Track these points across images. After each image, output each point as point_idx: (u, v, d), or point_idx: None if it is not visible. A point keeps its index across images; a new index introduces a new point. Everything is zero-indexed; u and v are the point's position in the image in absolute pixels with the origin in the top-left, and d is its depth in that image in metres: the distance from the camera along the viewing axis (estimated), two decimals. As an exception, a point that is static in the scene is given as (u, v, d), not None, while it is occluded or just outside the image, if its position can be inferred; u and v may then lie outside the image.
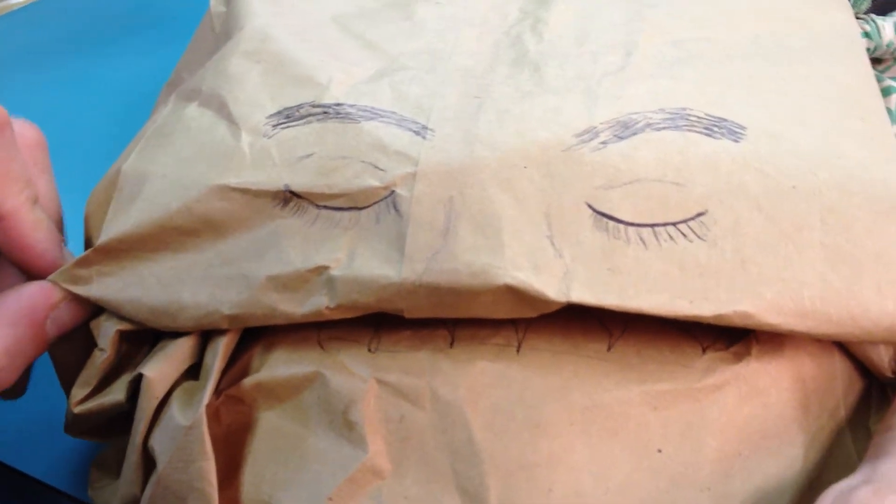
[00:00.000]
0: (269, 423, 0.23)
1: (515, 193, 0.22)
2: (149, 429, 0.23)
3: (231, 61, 0.27)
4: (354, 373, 0.23)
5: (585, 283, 0.21)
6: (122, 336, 0.25)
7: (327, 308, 0.22)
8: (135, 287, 0.24)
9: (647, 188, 0.22)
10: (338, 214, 0.23)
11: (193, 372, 0.24)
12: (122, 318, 0.25)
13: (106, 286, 0.25)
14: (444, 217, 0.22)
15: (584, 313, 0.24)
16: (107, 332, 0.25)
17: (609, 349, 0.23)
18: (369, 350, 0.24)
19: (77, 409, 0.25)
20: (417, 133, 0.24)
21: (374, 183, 0.23)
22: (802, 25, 0.28)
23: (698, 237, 0.22)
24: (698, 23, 0.28)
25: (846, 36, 0.28)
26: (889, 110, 0.39)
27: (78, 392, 0.25)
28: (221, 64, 0.27)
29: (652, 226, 0.22)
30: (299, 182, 0.24)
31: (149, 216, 0.24)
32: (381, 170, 0.23)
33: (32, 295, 0.24)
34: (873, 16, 0.38)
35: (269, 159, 0.24)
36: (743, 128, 0.23)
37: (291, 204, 0.24)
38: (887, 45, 0.38)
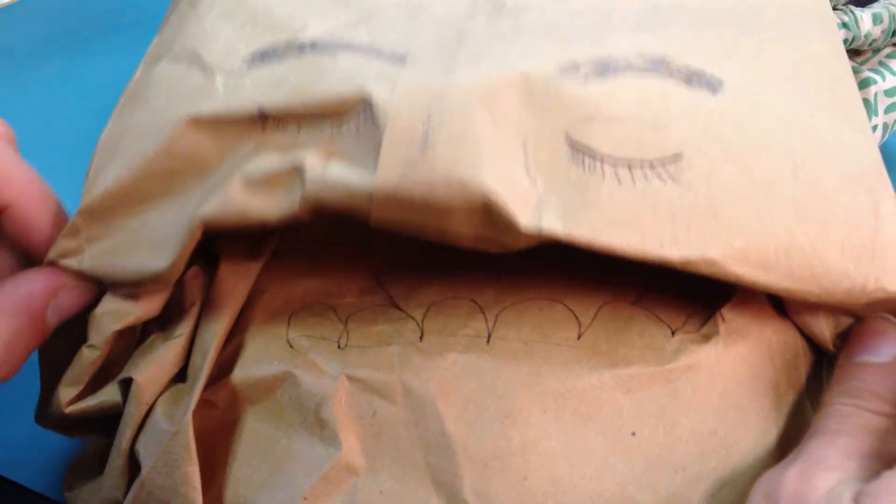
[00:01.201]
0: (243, 426, 0.23)
1: (495, 117, 0.22)
2: (135, 434, 0.23)
3: (205, 21, 0.26)
4: (325, 370, 0.23)
5: (557, 213, 0.21)
6: (118, 335, 0.24)
7: (299, 206, 0.22)
8: (126, 244, 0.23)
9: (625, 126, 0.22)
10: (318, 126, 0.22)
11: (178, 373, 0.24)
12: (118, 309, 0.24)
13: (97, 252, 0.24)
14: (422, 130, 0.21)
15: (554, 301, 0.24)
16: (102, 330, 0.23)
17: (579, 337, 0.23)
18: (339, 346, 0.23)
19: (69, 410, 0.24)
20: (397, 60, 0.23)
21: (351, 92, 0.22)
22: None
23: (672, 180, 0.21)
24: None
25: (819, 11, 0.28)
26: (867, 101, 0.40)
27: (68, 391, 0.24)
28: (195, 26, 0.26)
29: (628, 161, 0.21)
30: (274, 101, 0.23)
31: (128, 167, 0.23)
32: (359, 85, 0.22)
33: (31, 283, 0.23)
34: (852, 7, 0.38)
35: (241, 90, 0.23)
36: (721, 82, 0.23)
37: (270, 123, 0.23)
38: (865, 36, 0.38)
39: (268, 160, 0.22)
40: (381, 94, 0.22)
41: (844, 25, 0.38)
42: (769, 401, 0.23)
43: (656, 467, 0.22)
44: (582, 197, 0.21)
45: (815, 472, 0.19)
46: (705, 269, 0.21)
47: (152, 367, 0.23)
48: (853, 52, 0.41)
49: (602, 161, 0.21)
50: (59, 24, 0.58)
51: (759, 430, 0.23)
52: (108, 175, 0.23)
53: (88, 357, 0.24)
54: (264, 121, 0.22)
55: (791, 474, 0.19)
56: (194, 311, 0.24)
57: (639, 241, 0.21)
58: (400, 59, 0.23)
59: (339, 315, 0.24)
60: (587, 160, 0.21)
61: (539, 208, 0.21)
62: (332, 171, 0.21)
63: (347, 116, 0.22)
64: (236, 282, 0.25)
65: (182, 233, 0.22)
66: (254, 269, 0.25)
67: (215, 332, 0.23)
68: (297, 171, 0.22)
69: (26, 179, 0.24)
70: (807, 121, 0.23)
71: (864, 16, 0.38)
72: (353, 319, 0.24)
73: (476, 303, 0.24)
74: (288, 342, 0.24)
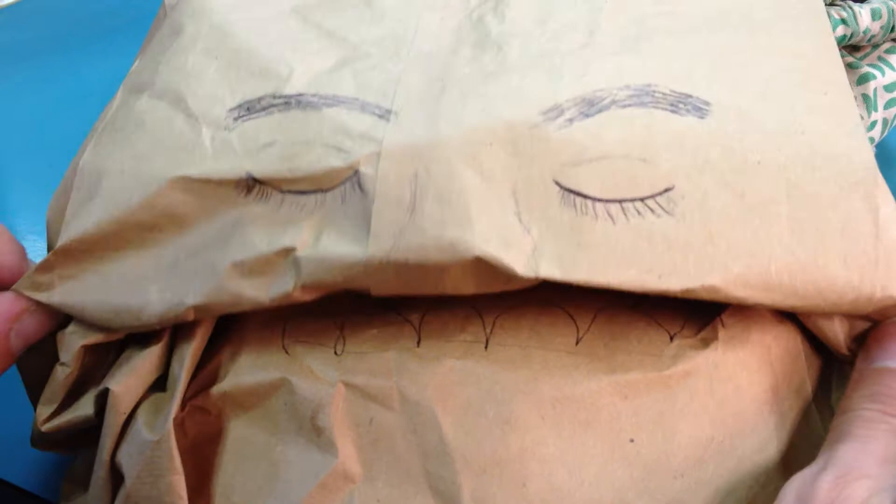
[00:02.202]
0: (237, 433, 0.23)
1: (482, 170, 0.22)
2: (116, 444, 0.23)
3: (188, 58, 0.26)
4: (321, 377, 0.23)
5: (554, 258, 0.21)
6: (87, 350, 0.24)
7: (294, 290, 0.22)
8: (98, 288, 0.24)
9: (613, 164, 0.22)
10: (303, 198, 0.23)
11: (159, 383, 0.24)
12: (87, 327, 0.24)
13: (68, 290, 0.24)
14: (410, 193, 0.22)
15: (552, 306, 0.24)
16: (70, 347, 0.24)
17: (577, 342, 0.23)
18: (335, 353, 0.23)
19: (45, 428, 0.24)
20: (381, 116, 0.23)
21: (338, 163, 0.22)
22: None
23: (666, 212, 0.22)
24: None
25: (810, 7, 0.28)
26: (866, 97, 0.39)
27: (43, 410, 0.24)
28: (178, 59, 0.27)
29: (620, 201, 0.22)
30: (262, 168, 0.23)
31: (109, 214, 0.24)
32: (345, 151, 0.23)
33: None
34: (850, 2, 0.38)
35: (230, 150, 0.24)
36: (708, 104, 0.23)
37: (255, 191, 0.23)
38: (864, 32, 0.38)
39: (256, 243, 0.22)
40: (367, 162, 0.22)
41: (843, 21, 0.37)
42: (768, 407, 0.23)
43: (655, 474, 0.22)
44: (577, 239, 0.21)
45: (849, 479, 0.19)
46: (707, 296, 0.21)
47: (129, 377, 0.23)
48: (852, 48, 0.40)
49: (594, 201, 0.21)
50: (58, 25, 0.58)
51: (758, 437, 0.22)
52: (89, 217, 0.24)
53: (61, 374, 0.24)
54: (250, 188, 0.23)
55: (825, 480, 0.19)
56: None
57: (637, 277, 0.21)
58: (384, 113, 0.23)
59: (334, 320, 0.24)
60: (578, 201, 0.22)
61: (535, 255, 0.21)
62: (323, 248, 0.22)
63: (334, 187, 0.22)
64: None
65: (166, 306, 0.23)
66: None
67: (193, 338, 0.23)
68: (287, 254, 0.22)
69: None
70: (798, 132, 0.23)
71: (863, 11, 0.38)
72: (349, 324, 0.24)
73: (473, 307, 0.24)
74: (283, 348, 0.24)
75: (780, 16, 0.27)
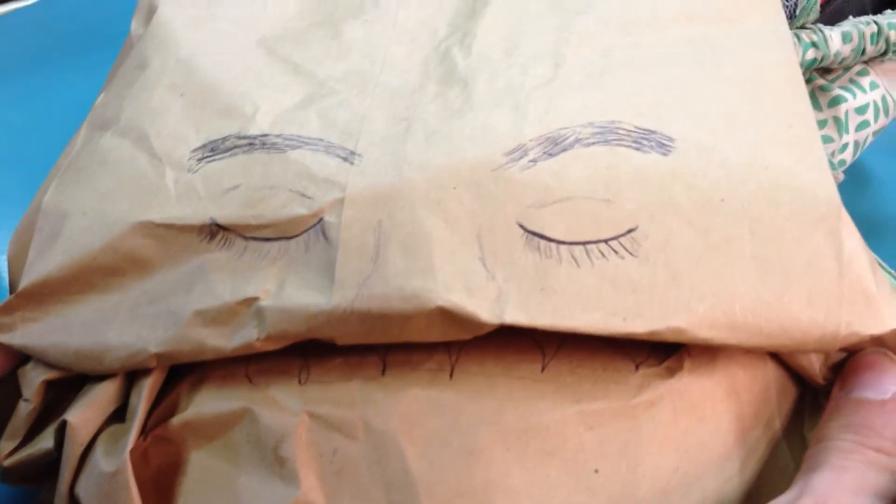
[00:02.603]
0: (200, 463, 0.23)
1: (446, 215, 0.22)
2: (74, 476, 0.23)
3: (153, 94, 0.26)
4: (284, 407, 0.22)
5: (518, 304, 0.21)
6: (48, 385, 0.24)
7: (257, 340, 0.22)
8: (60, 331, 0.24)
9: (577, 206, 0.22)
10: (266, 245, 0.23)
11: (120, 414, 0.24)
12: (47, 365, 0.24)
13: (30, 332, 0.24)
14: (374, 242, 0.22)
15: (518, 333, 0.24)
16: (32, 383, 0.24)
17: (543, 370, 0.23)
18: (299, 382, 0.23)
19: (6, 463, 0.24)
20: (345, 159, 0.23)
21: (302, 211, 0.23)
22: (734, 25, 0.28)
23: (630, 253, 0.22)
24: (628, 28, 0.28)
25: (777, 36, 0.28)
26: (838, 119, 0.40)
27: (6, 445, 0.24)
28: (143, 95, 0.27)
29: (584, 243, 0.22)
30: (225, 214, 0.23)
31: (71, 257, 0.24)
32: (309, 198, 0.23)
33: None
34: (821, 25, 0.38)
35: (194, 193, 0.24)
36: (672, 139, 0.23)
37: (219, 237, 0.23)
38: (835, 55, 0.38)
39: (220, 292, 0.22)
40: (332, 210, 0.22)
41: (813, 45, 0.38)
42: (733, 437, 0.23)
43: (619, 505, 0.22)
44: (541, 283, 0.21)
45: None
46: (673, 338, 0.21)
47: (86, 409, 0.23)
48: (823, 70, 0.41)
49: (558, 244, 0.21)
50: (48, 38, 0.58)
51: (723, 467, 0.22)
52: (51, 259, 0.24)
53: (24, 410, 0.24)
54: (213, 234, 0.23)
55: None
56: None
57: (602, 320, 0.21)
58: (348, 156, 0.23)
59: (299, 349, 0.24)
60: (542, 244, 0.22)
61: (500, 301, 0.21)
62: (287, 297, 0.22)
63: (297, 234, 0.23)
64: None
65: (128, 353, 0.23)
66: None
67: (153, 370, 0.23)
68: (251, 304, 0.22)
69: None
70: (762, 168, 0.23)
71: (834, 35, 0.38)
72: (313, 353, 0.23)
73: None
74: (247, 377, 0.23)
75: (745, 46, 0.27)
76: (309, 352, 0.23)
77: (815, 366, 0.23)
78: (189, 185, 0.24)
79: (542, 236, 0.22)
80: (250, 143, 0.24)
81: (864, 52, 0.39)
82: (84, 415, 0.23)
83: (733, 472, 0.22)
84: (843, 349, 0.23)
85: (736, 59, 0.26)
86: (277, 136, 0.24)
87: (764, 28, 0.28)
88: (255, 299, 0.22)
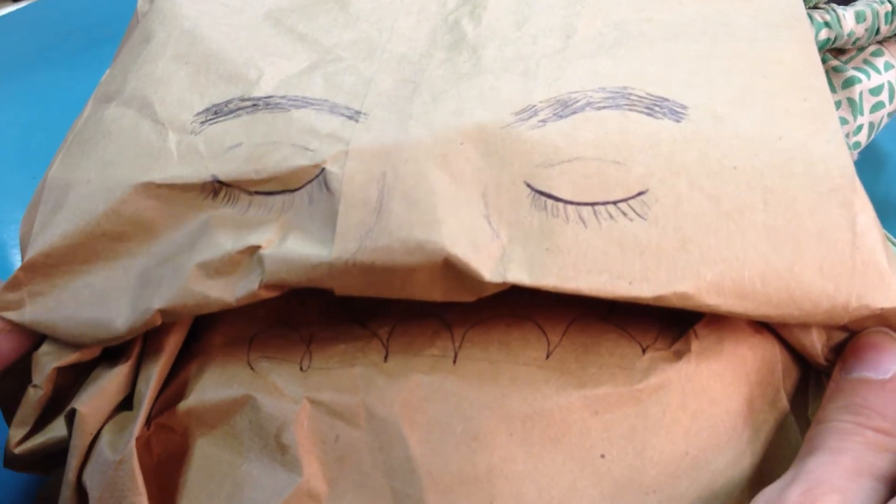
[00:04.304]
0: (202, 451, 0.23)
1: (451, 171, 0.21)
2: (82, 464, 0.23)
3: (158, 65, 0.26)
4: (286, 394, 0.22)
5: (522, 263, 0.21)
6: (59, 372, 0.24)
7: (259, 288, 0.21)
8: (69, 304, 0.23)
9: (586, 166, 0.21)
10: (271, 199, 0.22)
11: (126, 402, 0.24)
12: (60, 347, 0.24)
13: (39, 307, 0.23)
14: (377, 194, 0.21)
15: (523, 318, 0.24)
16: (43, 369, 0.24)
17: (548, 356, 0.23)
18: (301, 369, 0.23)
19: (18, 451, 0.24)
20: (350, 118, 0.23)
21: (304, 162, 0.22)
22: (748, 2, 0.27)
23: (639, 216, 0.21)
24: (641, 4, 0.27)
25: (792, 12, 0.28)
26: (852, 100, 0.39)
27: (16, 433, 0.24)
28: (147, 66, 0.26)
29: (592, 204, 0.21)
30: (227, 171, 0.23)
31: (75, 225, 0.23)
32: (312, 150, 0.22)
33: None
34: (834, 5, 0.37)
35: (195, 153, 0.23)
36: (685, 108, 0.23)
37: (222, 194, 0.23)
38: (848, 35, 0.37)
39: (222, 243, 0.22)
40: (334, 160, 0.22)
41: (826, 24, 0.37)
42: (742, 419, 0.22)
43: (626, 490, 0.21)
44: (547, 243, 0.21)
45: (817, 493, 0.19)
46: (679, 304, 0.20)
47: (96, 397, 0.23)
48: (837, 51, 0.40)
49: (565, 204, 0.21)
50: (49, 36, 0.58)
51: (732, 450, 0.22)
52: (55, 229, 0.23)
53: (34, 396, 0.23)
54: (216, 191, 0.22)
55: (793, 494, 0.19)
56: (139, 336, 0.24)
57: (607, 283, 0.20)
58: (353, 115, 0.23)
59: (301, 335, 0.24)
60: (550, 204, 0.21)
61: (503, 260, 0.21)
62: (288, 247, 0.21)
63: (301, 186, 0.22)
64: None
65: (135, 314, 0.22)
66: None
67: (160, 357, 0.23)
68: (253, 253, 0.22)
69: None
70: (776, 138, 0.22)
71: (847, 14, 0.37)
72: (316, 339, 0.23)
73: (443, 320, 0.24)
74: (248, 364, 0.23)
75: (760, 23, 0.26)
76: (312, 338, 0.23)
77: (816, 346, 0.23)
78: (191, 146, 0.23)
79: (549, 195, 0.21)
80: (254, 105, 0.24)
81: (878, 31, 0.38)
82: (93, 403, 0.23)
83: (743, 455, 0.22)
84: (848, 327, 0.22)
85: (750, 35, 0.26)
86: (282, 97, 0.24)
87: (778, 4, 0.28)
88: (258, 248, 0.22)
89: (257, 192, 0.22)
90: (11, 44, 0.57)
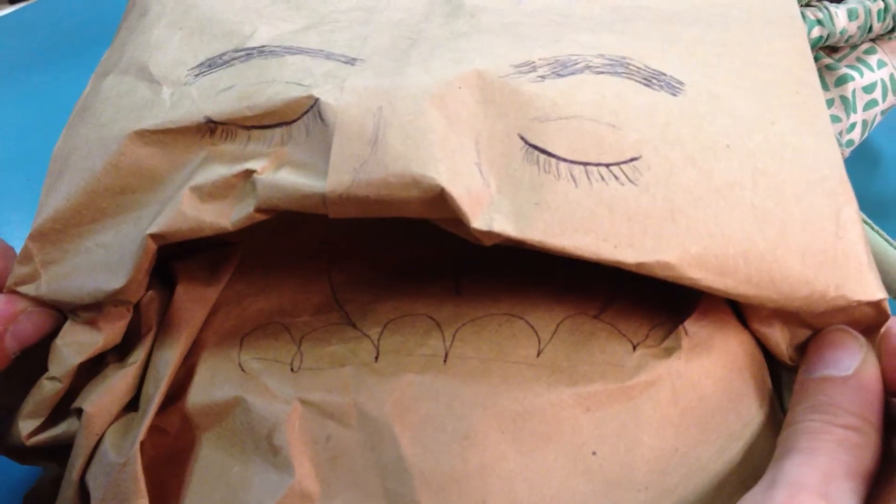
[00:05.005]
0: (195, 453, 0.23)
1: (448, 113, 0.21)
2: (86, 464, 0.23)
3: (153, 33, 0.26)
4: (277, 395, 0.22)
5: (509, 215, 0.20)
6: (80, 367, 0.23)
7: (255, 211, 0.21)
8: (83, 267, 0.23)
9: (582, 125, 0.21)
10: (269, 132, 0.22)
11: (131, 403, 0.23)
12: (81, 340, 0.23)
13: (54, 276, 0.23)
14: (373, 126, 0.21)
15: (514, 317, 0.24)
16: (63, 363, 0.23)
17: (539, 354, 0.23)
18: (292, 369, 0.23)
19: (30, 443, 0.23)
20: (346, 62, 0.23)
21: (298, 94, 0.22)
22: None
23: (630, 181, 0.21)
24: None
25: (786, 11, 0.28)
26: (845, 98, 0.39)
27: (28, 424, 0.23)
28: (143, 37, 0.26)
29: (585, 164, 0.21)
30: (220, 110, 0.22)
31: (76, 185, 0.23)
32: (305, 85, 0.22)
33: None
34: (826, 3, 0.37)
35: (188, 99, 0.23)
36: (681, 83, 0.23)
37: (219, 132, 0.22)
38: (840, 33, 0.37)
39: (217, 169, 0.21)
40: (329, 92, 0.21)
41: (819, 22, 0.37)
42: (734, 415, 0.22)
43: (617, 487, 0.21)
44: (536, 197, 0.20)
45: (802, 500, 0.19)
46: (660, 273, 0.20)
47: (103, 397, 0.23)
48: (830, 49, 0.40)
49: (558, 161, 0.21)
50: (47, 38, 0.58)
51: (722, 446, 0.22)
52: (58, 195, 0.23)
53: (50, 389, 0.23)
54: (213, 130, 0.22)
55: (777, 501, 0.19)
56: (149, 338, 0.24)
57: (592, 243, 0.20)
58: (350, 60, 0.22)
59: (293, 335, 0.24)
60: (542, 159, 0.21)
61: (491, 209, 0.20)
62: (283, 175, 0.21)
63: (297, 118, 0.21)
64: (192, 307, 0.24)
65: (136, 249, 0.22)
66: (211, 293, 0.25)
67: (169, 360, 0.23)
68: (248, 177, 0.21)
69: None
70: (768, 124, 0.22)
71: (840, 12, 0.37)
72: (307, 340, 0.23)
73: (434, 319, 0.24)
74: (239, 366, 0.23)
75: (754, 18, 0.26)
76: (303, 338, 0.23)
77: (780, 345, 0.23)
78: (184, 94, 0.23)
79: (542, 150, 0.21)
80: (248, 54, 0.23)
81: (870, 29, 0.38)
82: (101, 404, 0.22)
83: (734, 450, 0.22)
84: (810, 324, 0.22)
85: (744, 28, 0.26)
86: (276, 46, 0.23)
87: (772, 2, 0.28)
88: (253, 172, 0.21)
89: (254, 127, 0.22)
90: (9, 45, 0.58)
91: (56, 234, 0.23)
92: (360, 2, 0.26)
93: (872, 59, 0.40)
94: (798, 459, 0.20)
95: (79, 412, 0.23)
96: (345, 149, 0.21)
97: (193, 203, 0.21)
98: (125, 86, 0.24)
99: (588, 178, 0.21)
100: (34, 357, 0.24)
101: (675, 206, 0.21)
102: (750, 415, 0.22)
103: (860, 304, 0.21)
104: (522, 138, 0.21)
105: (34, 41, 0.58)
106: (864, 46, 0.40)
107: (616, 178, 0.21)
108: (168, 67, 0.24)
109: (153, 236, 0.21)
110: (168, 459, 0.23)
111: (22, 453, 0.25)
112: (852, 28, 0.38)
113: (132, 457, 0.22)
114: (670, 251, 0.20)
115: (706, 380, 0.22)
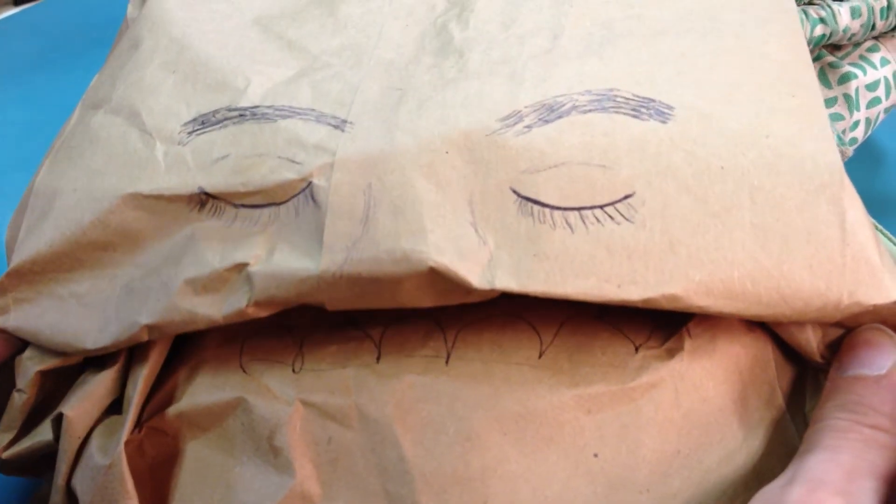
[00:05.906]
0: (195, 454, 0.23)
1: (437, 179, 0.21)
2: (71, 469, 0.23)
3: (146, 73, 0.26)
4: (278, 395, 0.22)
5: (510, 270, 0.21)
6: (44, 376, 0.24)
7: (248, 306, 0.21)
8: (54, 311, 0.23)
9: (572, 171, 0.21)
10: (256, 212, 0.22)
11: (116, 406, 0.24)
12: (43, 352, 0.24)
13: (23, 314, 0.24)
14: (364, 204, 0.21)
15: (515, 318, 0.24)
16: (26, 373, 0.24)
17: (540, 356, 0.22)
18: (293, 370, 0.23)
19: (5, 455, 0.24)
20: (336, 127, 0.23)
21: (291, 176, 0.22)
22: None
23: (626, 219, 0.21)
24: (630, 1, 0.27)
25: (780, 5, 0.27)
26: (848, 96, 0.39)
27: (2, 437, 0.24)
28: (135, 74, 0.26)
29: (579, 209, 0.21)
30: (214, 183, 0.23)
31: (61, 233, 0.23)
32: (298, 163, 0.22)
33: None
34: (829, 1, 0.37)
35: (183, 164, 0.23)
36: (671, 108, 0.23)
37: (208, 206, 0.23)
38: (843, 31, 0.37)
39: (209, 259, 0.22)
40: (321, 174, 0.22)
41: (821, 20, 0.37)
42: (737, 417, 0.22)
43: (619, 489, 0.21)
44: (534, 249, 0.21)
45: (822, 496, 0.19)
46: (668, 305, 0.21)
47: (83, 401, 0.23)
48: (833, 47, 0.40)
49: (552, 210, 0.21)
50: (48, 39, 0.59)
51: (726, 448, 0.22)
52: (41, 237, 0.24)
53: (18, 401, 0.23)
54: (203, 203, 0.23)
55: (794, 494, 0.19)
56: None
57: (595, 286, 0.21)
58: (339, 124, 0.23)
59: (293, 336, 0.24)
60: (536, 210, 0.21)
61: (491, 266, 0.21)
62: (276, 262, 0.21)
63: (287, 200, 0.22)
64: None
65: (121, 327, 0.22)
66: None
67: (148, 360, 0.23)
68: (241, 270, 0.22)
69: None
70: (763, 136, 0.22)
71: (842, 10, 0.37)
72: (308, 341, 0.23)
73: (435, 321, 0.24)
74: (241, 366, 0.23)
75: (748, 17, 0.26)
76: (305, 340, 0.23)
77: (812, 343, 0.23)
78: (178, 157, 0.23)
79: (535, 201, 0.21)
80: (241, 115, 0.24)
81: (873, 27, 0.38)
82: (81, 407, 0.23)
83: (737, 453, 0.22)
84: (842, 323, 0.22)
85: (738, 30, 0.26)
86: (268, 107, 0.24)
87: (768, 2, 0.28)
88: (245, 265, 0.22)
89: (243, 205, 0.22)
90: (11, 47, 0.58)
91: (34, 275, 0.24)
92: (352, 38, 0.27)
93: (875, 57, 0.39)
94: (821, 456, 0.19)
95: (59, 417, 0.23)
96: (337, 228, 0.21)
97: (187, 296, 0.22)
98: (116, 129, 0.25)
99: (583, 222, 0.21)
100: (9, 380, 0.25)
101: (674, 237, 0.21)
102: (754, 417, 0.22)
103: (877, 306, 0.21)
104: (515, 192, 0.21)
105: (38, 43, 0.58)
106: (867, 44, 0.40)
107: (611, 217, 0.21)
108: (161, 118, 0.25)
109: (148, 328, 0.22)
110: (168, 460, 0.23)
111: (10, 467, 0.25)
112: (855, 26, 0.38)
113: (117, 458, 0.22)
114: (674, 283, 0.21)
115: (708, 382, 0.22)
